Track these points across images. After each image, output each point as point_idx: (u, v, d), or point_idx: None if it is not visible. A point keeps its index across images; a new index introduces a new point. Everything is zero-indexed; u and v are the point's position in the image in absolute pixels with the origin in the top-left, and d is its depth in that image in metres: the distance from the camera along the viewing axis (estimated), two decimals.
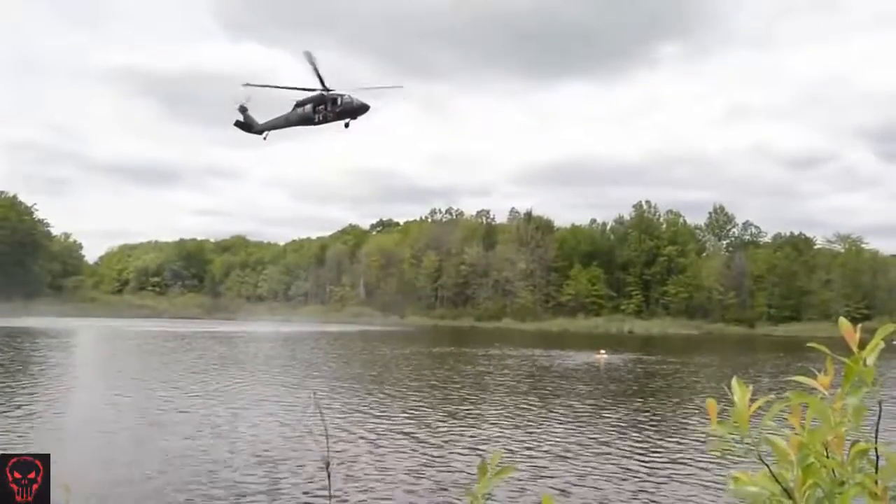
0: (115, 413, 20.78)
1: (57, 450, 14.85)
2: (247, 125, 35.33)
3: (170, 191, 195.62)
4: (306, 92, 32.71)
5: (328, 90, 31.72)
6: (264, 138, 35.21)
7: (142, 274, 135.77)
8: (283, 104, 34.77)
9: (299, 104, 33.02)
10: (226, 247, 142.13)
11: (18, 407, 20.85)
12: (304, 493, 12.74)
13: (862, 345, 1.41)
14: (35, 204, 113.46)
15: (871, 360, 1.40)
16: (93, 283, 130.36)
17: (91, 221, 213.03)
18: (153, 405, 22.06)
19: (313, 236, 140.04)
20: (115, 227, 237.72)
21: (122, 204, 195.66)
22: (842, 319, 1.49)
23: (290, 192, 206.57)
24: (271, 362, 38.55)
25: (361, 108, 32.04)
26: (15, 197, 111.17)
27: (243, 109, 34.82)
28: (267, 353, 45.64)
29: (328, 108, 31.94)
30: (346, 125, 32.31)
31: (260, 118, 35.85)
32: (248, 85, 34.61)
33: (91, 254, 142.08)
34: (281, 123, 34.44)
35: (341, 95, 31.79)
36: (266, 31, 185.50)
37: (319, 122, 32.42)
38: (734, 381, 1.54)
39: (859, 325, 1.48)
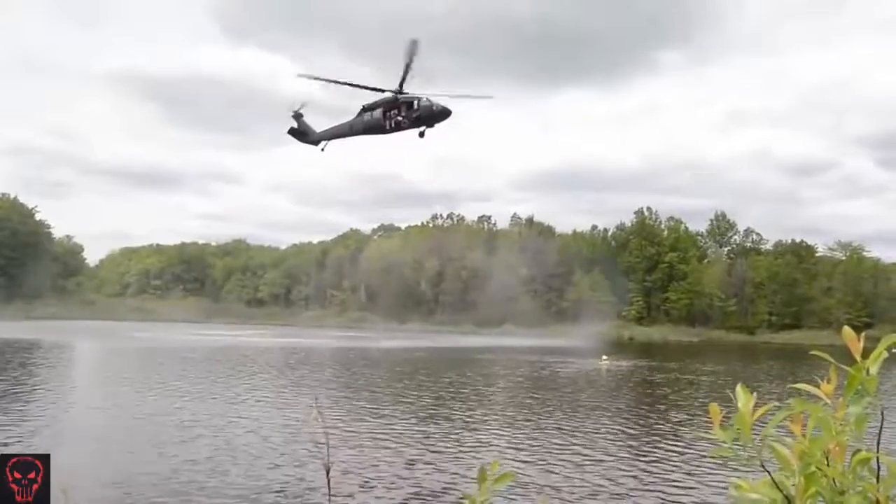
0: (116, 418, 20.76)
1: (59, 452, 14.81)
2: (302, 133, 31.27)
3: (171, 194, 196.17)
4: (375, 93, 28.05)
5: (402, 92, 27.43)
6: (322, 149, 30.89)
7: (143, 277, 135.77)
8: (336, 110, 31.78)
9: (366, 109, 28.64)
10: (227, 251, 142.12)
11: (20, 408, 20.84)
12: (305, 497, 12.71)
13: (864, 354, 1.41)
14: (36, 206, 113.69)
15: (874, 370, 1.40)
16: (94, 285, 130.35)
17: (92, 224, 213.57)
18: (153, 411, 22.04)
19: (314, 240, 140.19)
20: (117, 230, 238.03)
21: (123, 207, 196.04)
22: (846, 328, 1.48)
23: (291, 196, 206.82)
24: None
25: (442, 114, 27.50)
26: (16, 199, 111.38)
27: (298, 116, 30.95)
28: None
29: (402, 113, 27.57)
30: (421, 134, 27.79)
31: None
32: (302, 76, 29.55)
33: (92, 256, 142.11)
34: (343, 132, 30.05)
35: (418, 98, 27.37)
36: (266, 35, 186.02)
37: (391, 130, 28.03)
38: (738, 388, 1.53)
39: (863, 334, 1.48)
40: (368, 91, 28.10)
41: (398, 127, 27.67)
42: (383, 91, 27.57)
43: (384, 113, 27.90)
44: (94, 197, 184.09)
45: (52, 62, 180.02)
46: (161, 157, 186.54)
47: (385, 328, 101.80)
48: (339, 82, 27.69)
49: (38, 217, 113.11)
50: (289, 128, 31.27)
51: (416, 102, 27.19)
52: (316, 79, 28.08)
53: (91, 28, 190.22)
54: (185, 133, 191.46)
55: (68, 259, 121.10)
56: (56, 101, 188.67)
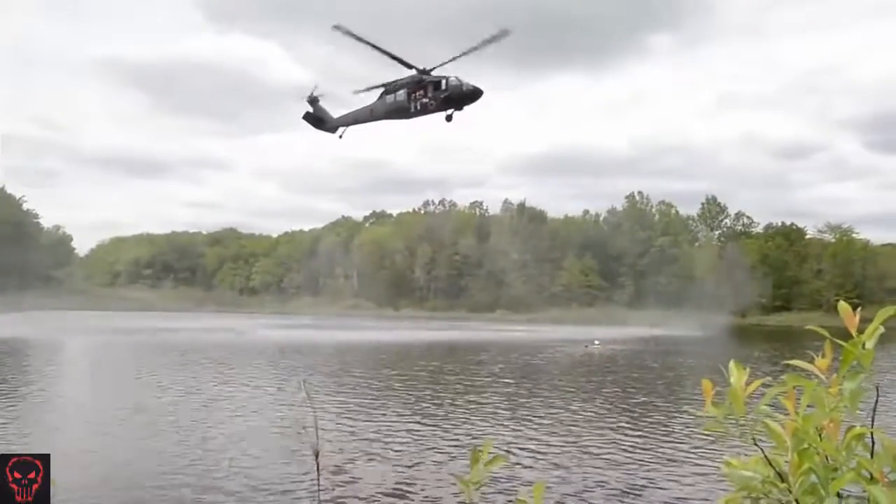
0: (108, 409, 20.67)
1: (56, 447, 14.73)
2: (317, 119, 29.18)
3: (160, 182, 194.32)
4: (402, 70, 25.71)
5: (426, 71, 25.09)
6: (340, 136, 28.70)
7: (133, 266, 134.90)
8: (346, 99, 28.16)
9: (389, 90, 26.33)
10: (217, 239, 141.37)
11: (18, 407, 20.70)
12: (293, 481, 12.69)
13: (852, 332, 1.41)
14: (24, 196, 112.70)
15: (870, 344, 1.39)
16: (84, 275, 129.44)
17: (81, 213, 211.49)
18: (146, 401, 21.97)
19: (306, 228, 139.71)
20: (106, 220, 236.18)
21: (112, 196, 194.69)
22: (842, 303, 1.48)
23: (281, 184, 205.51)
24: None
25: (473, 94, 25.12)
26: (3, 189, 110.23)
27: (313, 100, 29.01)
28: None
29: (428, 93, 25.24)
30: (448, 118, 25.42)
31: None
32: (337, 28, 25.44)
33: (82, 246, 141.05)
34: (363, 116, 27.87)
35: (445, 78, 25.04)
36: (252, 22, 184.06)
37: (416, 113, 25.83)
38: (731, 364, 1.52)
39: (858, 310, 1.48)
40: (389, 61, 25.63)
41: (424, 109, 25.59)
42: (411, 66, 25.31)
43: (409, 94, 25.68)
44: (82, 186, 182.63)
45: (37, 51, 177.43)
46: (149, 146, 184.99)
47: (379, 315, 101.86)
48: (371, 45, 25.17)
49: (25, 207, 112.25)
50: (304, 113, 29.35)
51: (443, 82, 25.07)
52: (351, 35, 25.35)
53: (75, 16, 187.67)
54: (173, 121, 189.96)
55: (57, 249, 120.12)
56: (42, 90, 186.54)
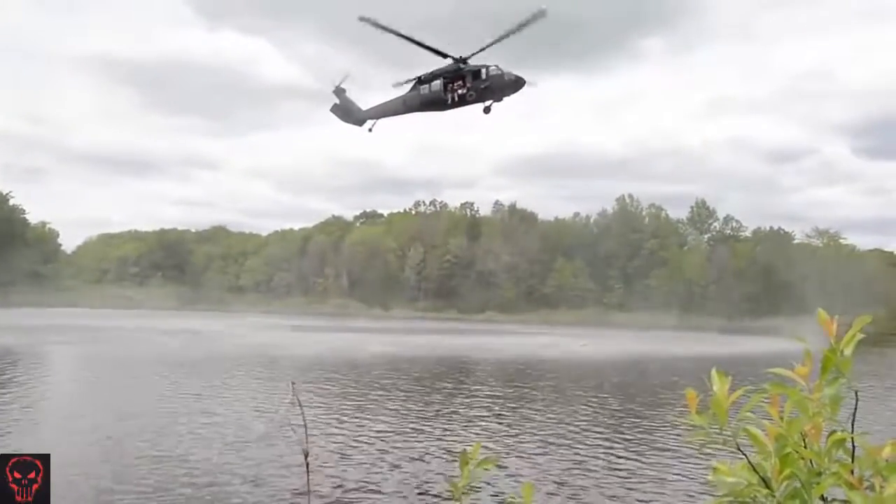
0: (99, 415, 20.51)
1: (54, 446, 14.58)
2: (344, 110, 27.82)
3: (150, 180, 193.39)
4: (436, 58, 24.33)
5: (464, 60, 23.76)
6: (370, 130, 27.23)
7: (121, 264, 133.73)
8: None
9: (424, 80, 24.85)
10: (207, 237, 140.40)
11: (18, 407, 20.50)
12: (284, 483, 12.63)
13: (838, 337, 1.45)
14: (11, 192, 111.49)
15: (848, 351, 1.42)
16: (71, 272, 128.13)
17: (69, 211, 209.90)
18: (138, 403, 21.83)
19: (296, 227, 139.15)
20: (96, 217, 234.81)
21: (101, 193, 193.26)
22: (820, 311, 1.51)
23: (272, 182, 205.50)
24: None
25: (515, 84, 23.97)
26: None
27: (340, 91, 27.63)
28: None
29: (467, 83, 23.89)
30: (487, 109, 24.32)
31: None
32: (364, 19, 23.65)
33: (70, 243, 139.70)
34: (395, 108, 26.27)
35: (486, 67, 23.75)
36: (242, 19, 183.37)
37: (454, 105, 24.48)
38: (713, 372, 1.55)
39: (836, 317, 1.51)
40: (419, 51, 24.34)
41: (462, 101, 24.35)
42: (446, 56, 24.09)
43: (445, 85, 24.33)
44: (72, 183, 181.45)
45: (25, 47, 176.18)
46: (139, 143, 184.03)
47: (369, 315, 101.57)
48: (402, 35, 23.82)
49: (12, 203, 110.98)
50: (331, 105, 28.09)
51: (483, 71, 23.81)
52: (378, 26, 23.94)
53: (64, 13, 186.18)
54: (164, 118, 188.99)
55: (43, 245, 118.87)
56: (30, 85, 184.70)
